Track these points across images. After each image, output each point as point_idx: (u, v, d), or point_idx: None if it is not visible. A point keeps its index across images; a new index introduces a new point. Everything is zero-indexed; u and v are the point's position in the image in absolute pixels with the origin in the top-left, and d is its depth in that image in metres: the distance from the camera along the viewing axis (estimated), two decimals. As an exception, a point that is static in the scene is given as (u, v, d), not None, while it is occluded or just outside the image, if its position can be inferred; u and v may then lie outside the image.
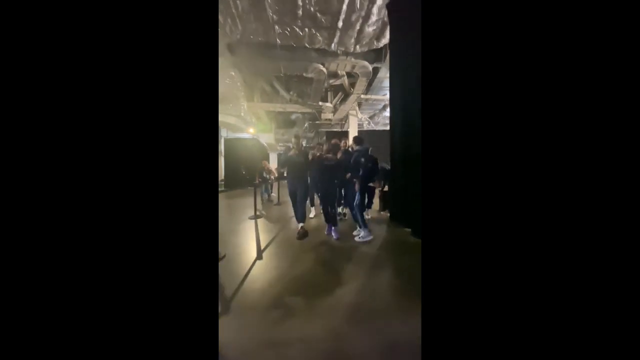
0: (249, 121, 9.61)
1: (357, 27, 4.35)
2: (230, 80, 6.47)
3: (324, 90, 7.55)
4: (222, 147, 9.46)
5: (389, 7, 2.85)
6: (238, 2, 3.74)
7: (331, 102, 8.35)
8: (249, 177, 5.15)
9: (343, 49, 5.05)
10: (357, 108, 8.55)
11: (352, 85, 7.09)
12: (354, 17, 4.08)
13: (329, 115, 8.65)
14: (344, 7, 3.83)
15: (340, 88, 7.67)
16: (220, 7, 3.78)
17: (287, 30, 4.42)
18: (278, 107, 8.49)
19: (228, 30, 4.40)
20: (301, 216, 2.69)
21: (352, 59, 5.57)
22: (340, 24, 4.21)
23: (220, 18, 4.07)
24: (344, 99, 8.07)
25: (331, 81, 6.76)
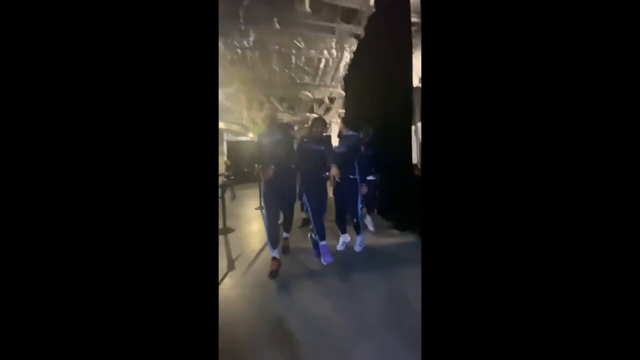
0: (249, 127, 11.55)
1: (332, 72, 6.49)
2: (237, 99, 8.43)
3: (310, 104, 9.69)
4: (225, 148, 11.49)
5: (347, 86, 5.01)
6: (253, 61, 5.76)
7: (316, 113, 10.49)
8: (249, 173, 6.56)
9: (323, 83, 7.20)
10: (338, 118, 10.75)
11: (332, 101, 9.28)
12: (328, 69, 6.23)
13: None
14: (322, 64, 5.97)
15: (323, 102, 9.81)
16: (239, 59, 5.73)
17: (285, 74, 6.49)
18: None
19: (243, 73, 6.38)
20: (275, 239, 1.68)
21: (331, 88, 7.72)
22: (319, 72, 6.35)
23: (240, 66, 6.04)
24: (326, 111, 10.24)
25: (316, 96, 8.86)
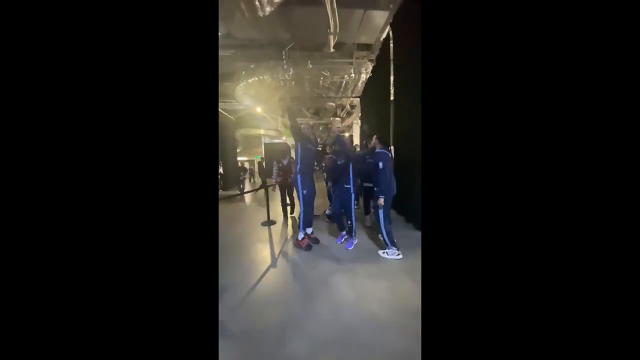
0: (282, 131, 13.71)
1: (352, 88, 8.05)
2: (274, 111, 10.49)
3: (334, 111, 11.37)
4: (263, 149, 13.98)
5: (361, 99, 6.55)
6: (290, 86, 7.61)
7: (340, 117, 12.11)
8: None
9: (345, 95, 8.78)
10: (359, 120, 12.25)
11: (352, 107, 10.81)
12: (348, 86, 7.80)
13: (339, 124, 12.60)
14: (343, 84, 7.57)
15: (345, 107, 11.40)
16: (280, 86, 7.60)
17: (314, 92, 8.24)
18: (301, 120, 12.52)
19: (281, 93, 8.30)
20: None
21: (351, 98, 9.27)
22: (342, 89, 7.96)
23: (281, 89, 7.93)
24: (348, 115, 11.80)
25: (338, 102, 10.52)
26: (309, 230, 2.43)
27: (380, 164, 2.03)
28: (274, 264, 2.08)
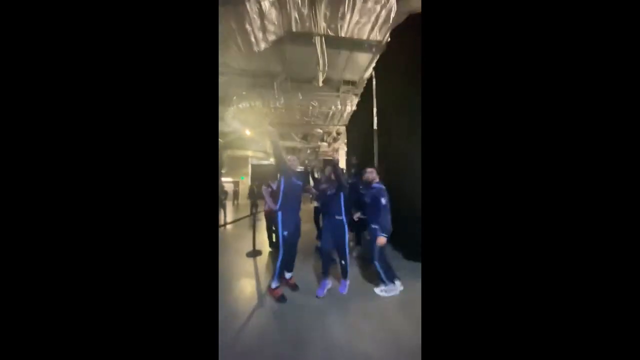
0: (270, 153, 13.91)
1: (338, 117, 8.54)
2: (264, 135, 10.71)
3: (321, 136, 11.87)
4: (249, 170, 13.94)
5: (347, 128, 6.97)
6: (281, 113, 7.92)
7: (327, 141, 12.60)
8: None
9: (332, 123, 9.26)
10: (344, 145, 12.83)
11: (339, 134, 11.37)
12: (335, 115, 8.29)
13: (325, 149, 13.01)
14: (330, 114, 8.04)
15: (331, 134, 11.97)
16: (271, 112, 7.89)
17: (303, 119, 8.61)
18: (290, 144, 12.81)
19: (271, 119, 8.58)
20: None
21: (338, 126, 9.78)
22: (329, 117, 8.43)
23: (272, 116, 8.21)
24: (335, 140, 12.34)
25: (325, 130, 11.06)
26: (288, 275, 2.14)
27: (383, 201, 1.94)
28: (261, 303, 1.99)
